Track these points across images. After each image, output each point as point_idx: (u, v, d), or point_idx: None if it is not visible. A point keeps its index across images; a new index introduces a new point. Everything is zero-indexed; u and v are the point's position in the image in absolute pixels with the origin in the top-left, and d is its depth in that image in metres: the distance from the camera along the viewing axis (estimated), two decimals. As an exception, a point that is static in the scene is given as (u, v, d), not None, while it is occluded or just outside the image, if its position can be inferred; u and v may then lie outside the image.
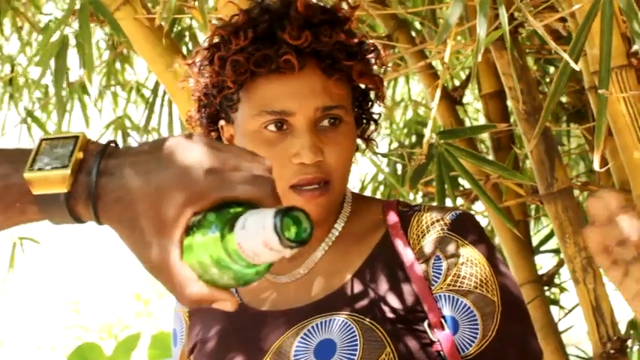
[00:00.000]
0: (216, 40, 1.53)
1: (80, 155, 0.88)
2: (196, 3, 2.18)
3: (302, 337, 1.43)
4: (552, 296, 3.21)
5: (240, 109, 1.49)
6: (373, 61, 1.54)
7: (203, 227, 0.86)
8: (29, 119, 3.52)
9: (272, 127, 1.45)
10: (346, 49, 1.48)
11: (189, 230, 0.87)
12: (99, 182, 0.87)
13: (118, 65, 3.95)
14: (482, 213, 3.48)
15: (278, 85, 1.45)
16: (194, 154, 0.87)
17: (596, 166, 1.54)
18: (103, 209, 0.87)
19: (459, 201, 3.18)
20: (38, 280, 11.90)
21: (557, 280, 3.11)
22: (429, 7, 2.30)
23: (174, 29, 2.62)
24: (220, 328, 1.55)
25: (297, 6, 1.45)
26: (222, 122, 1.55)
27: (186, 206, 0.86)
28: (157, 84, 3.08)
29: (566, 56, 1.50)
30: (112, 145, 0.90)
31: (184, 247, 0.87)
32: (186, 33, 3.09)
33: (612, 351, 2.13)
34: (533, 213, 3.29)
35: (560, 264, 2.93)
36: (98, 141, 0.91)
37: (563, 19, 2.15)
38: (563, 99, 3.64)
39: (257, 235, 0.82)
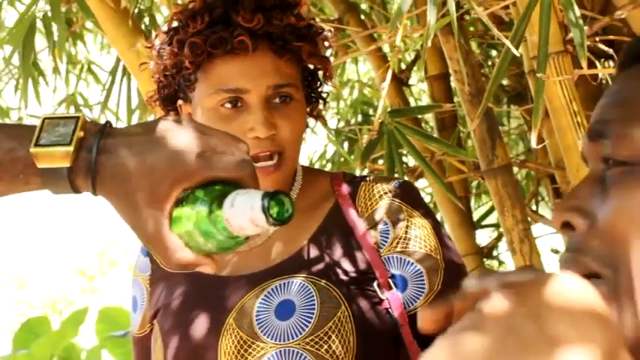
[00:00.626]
0: (174, 24, 1.64)
1: (81, 134, 0.97)
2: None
3: (263, 298, 1.56)
4: (491, 268, 3.37)
5: (198, 88, 1.62)
6: (322, 42, 1.67)
7: (191, 202, 0.97)
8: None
9: (228, 105, 1.58)
10: (296, 31, 1.60)
11: (178, 204, 0.98)
12: (98, 159, 0.97)
13: (69, 43, 3.99)
14: (424, 189, 3.63)
15: (233, 65, 1.58)
16: (184, 137, 0.98)
17: (533, 143, 1.69)
18: (100, 183, 0.97)
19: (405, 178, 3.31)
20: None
21: (495, 253, 3.27)
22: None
23: (135, 10, 2.71)
24: (184, 291, 1.66)
25: None
26: (180, 102, 1.67)
27: (177, 183, 0.96)
28: (116, 63, 3.16)
29: (507, 42, 1.64)
30: (109, 125, 1.00)
31: (174, 218, 0.98)
32: (146, 14, 3.18)
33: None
34: (474, 190, 3.44)
35: (499, 237, 3.08)
36: (96, 121, 1.02)
37: (506, 7, 2.29)
38: (505, 82, 3.80)
39: (245, 213, 0.95)
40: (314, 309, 1.52)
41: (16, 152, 0.97)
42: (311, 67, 1.68)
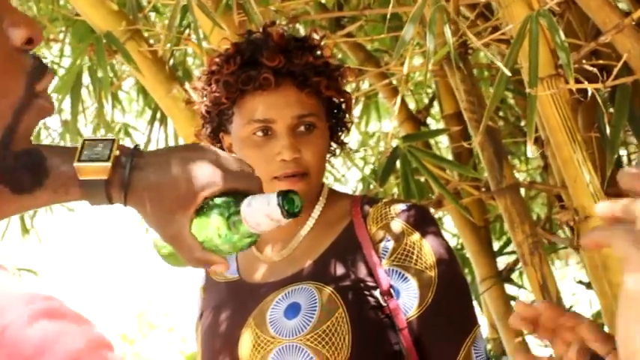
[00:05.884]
0: (213, 68, 1.90)
1: (117, 153, 1.15)
2: (192, 36, 2.53)
3: (277, 301, 1.83)
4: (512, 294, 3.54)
5: (234, 120, 1.90)
6: (340, 78, 1.91)
7: (210, 209, 1.18)
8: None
9: (259, 133, 1.85)
10: (315, 68, 1.87)
11: (199, 210, 1.19)
12: (131, 174, 1.15)
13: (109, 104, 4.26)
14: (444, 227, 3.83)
15: (261, 99, 1.85)
16: (204, 155, 1.19)
17: (529, 153, 1.90)
18: (132, 194, 1.16)
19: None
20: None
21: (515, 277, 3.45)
22: (391, 34, 2.66)
23: (172, 60, 2.97)
24: (221, 297, 1.95)
25: (274, 36, 1.85)
26: (222, 134, 1.92)
27: (199, 193, 1.17)
28: (152, 119, 3.44)
29: (499, 64, 1.86)
30: (139, 148, 1.20)
31: (194, 223, 1.19)
32: (179, 67, 3.45)
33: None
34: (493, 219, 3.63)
35: (517, 261, 3.26)
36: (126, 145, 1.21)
37: (507, 41, 2.50)
38: (523, 123, 4.03)
39: (262, 210, 1.17)
40: (315, 310, 1.78)
41: (60, 167, 1.15)
42: (335, 100, 1.92)
